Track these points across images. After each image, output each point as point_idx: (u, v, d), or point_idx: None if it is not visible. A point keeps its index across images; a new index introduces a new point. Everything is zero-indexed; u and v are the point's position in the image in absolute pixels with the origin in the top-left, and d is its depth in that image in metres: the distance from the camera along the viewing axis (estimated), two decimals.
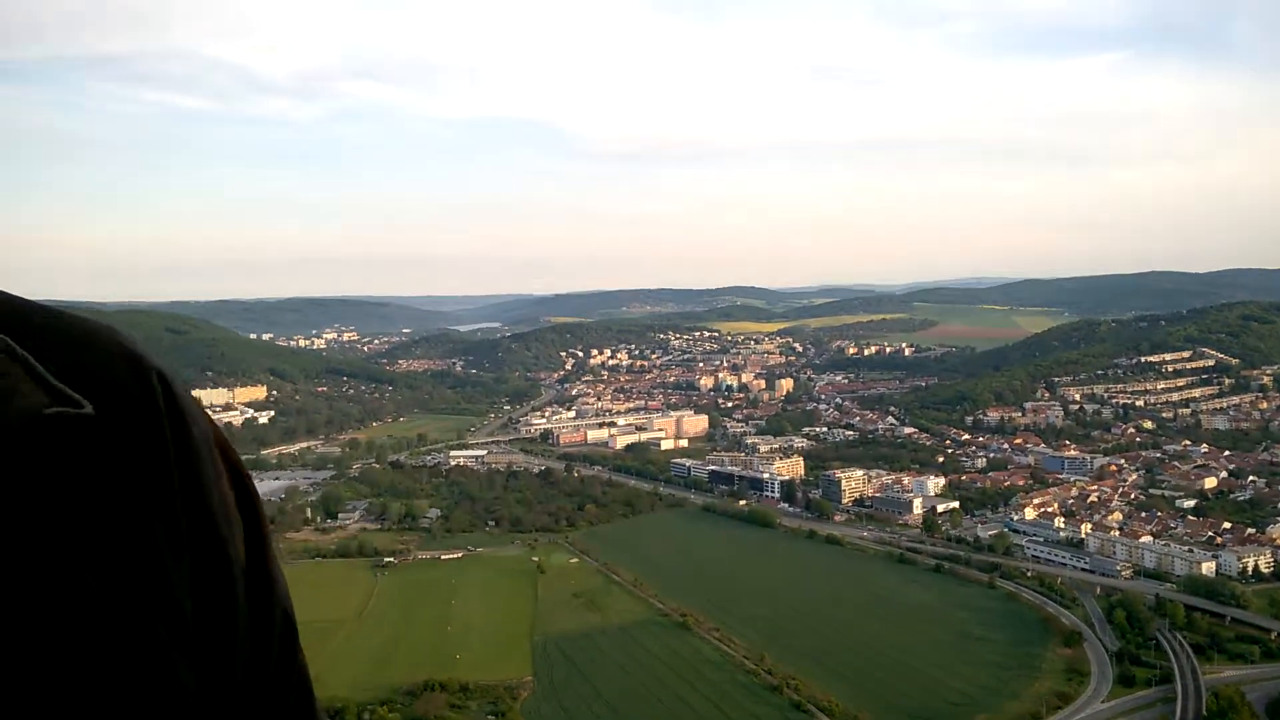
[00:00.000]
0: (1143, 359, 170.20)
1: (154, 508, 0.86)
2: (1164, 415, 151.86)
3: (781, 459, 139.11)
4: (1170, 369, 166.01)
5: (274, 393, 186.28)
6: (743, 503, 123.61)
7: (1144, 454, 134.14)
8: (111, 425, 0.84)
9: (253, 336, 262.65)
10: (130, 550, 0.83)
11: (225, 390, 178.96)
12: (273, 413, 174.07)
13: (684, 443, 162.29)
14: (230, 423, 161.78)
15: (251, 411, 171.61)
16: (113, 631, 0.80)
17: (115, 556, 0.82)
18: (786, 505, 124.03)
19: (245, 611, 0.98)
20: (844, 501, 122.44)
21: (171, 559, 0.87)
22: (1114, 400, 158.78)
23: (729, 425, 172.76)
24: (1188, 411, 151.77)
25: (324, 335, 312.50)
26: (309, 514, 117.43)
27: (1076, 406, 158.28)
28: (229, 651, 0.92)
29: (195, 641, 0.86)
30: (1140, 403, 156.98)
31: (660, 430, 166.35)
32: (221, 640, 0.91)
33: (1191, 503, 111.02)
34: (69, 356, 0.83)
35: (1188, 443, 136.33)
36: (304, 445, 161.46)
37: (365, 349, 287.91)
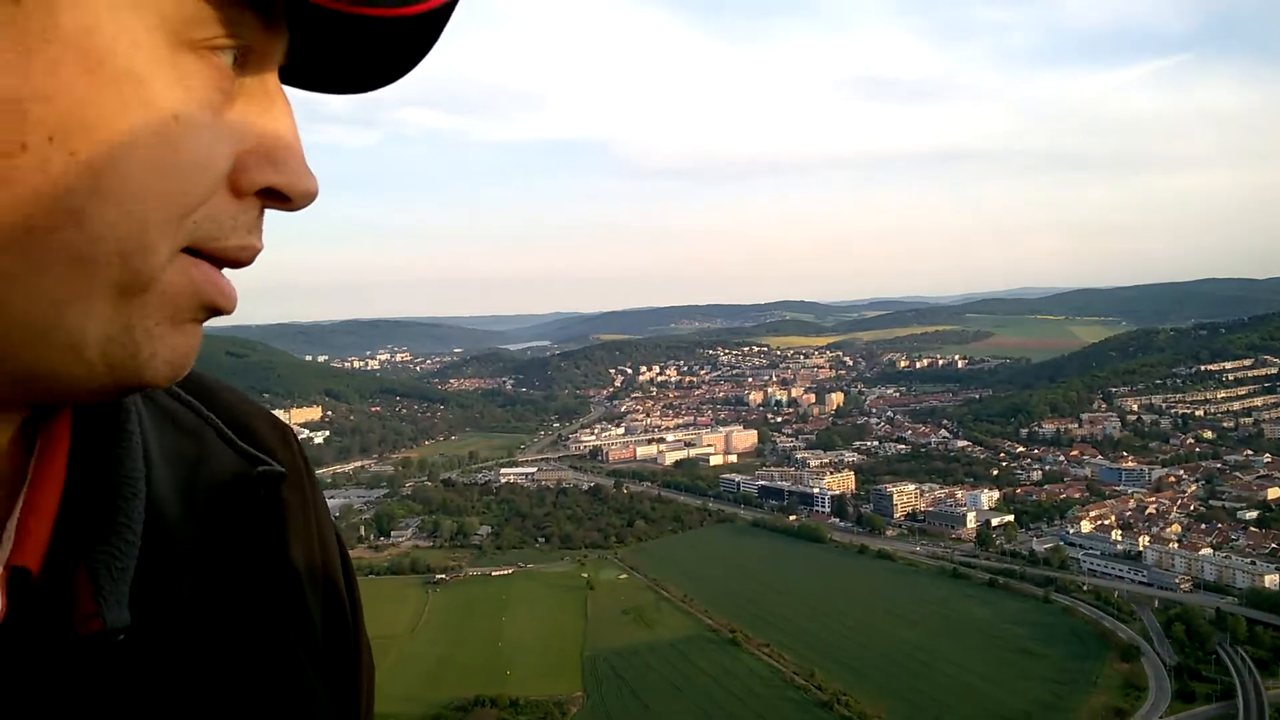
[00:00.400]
0: (1202, 368, 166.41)
1: (307, 552, 0.95)
2: (1225, 425, 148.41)
3: (832, 473, 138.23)
4: (1231, 377, 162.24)
5: (329, 413, 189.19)
6: (793, 518, 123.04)
7: (1204, 465, 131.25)
8: (287, 480, 0.92)
9: (309, 358, 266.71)
10: (297, 587, 0.92)
11: (282, 411, 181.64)
12: (328, 433, 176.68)
13: (733, 458, 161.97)
14: None
15: (307, 432, 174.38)
16: (292, 658, 0.88)
17: (291, 593, 0.91)
18: (837, 520, 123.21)
19: (354, 655, 1.04)
20: (896, 516, 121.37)
21: (315, 601, 0.95)
22: (1173, 410, 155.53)
23: (778, 440, 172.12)
24: (1249, 421, 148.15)
25: (378, 356, 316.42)
26: (363, 531, 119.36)
27: (1134, 417, 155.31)
28: (337, 689, 0.98)
29: (325, 675, 0.94)
30: (1200, 412, 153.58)
31: (709, 446, 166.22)
32: (335, 680, 0.97)
33: (1253, 514, 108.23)
34: (235, 417, 0.92)
35: (1249, 452, 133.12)
36: (358, 464, 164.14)
37: (418, 369, 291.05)
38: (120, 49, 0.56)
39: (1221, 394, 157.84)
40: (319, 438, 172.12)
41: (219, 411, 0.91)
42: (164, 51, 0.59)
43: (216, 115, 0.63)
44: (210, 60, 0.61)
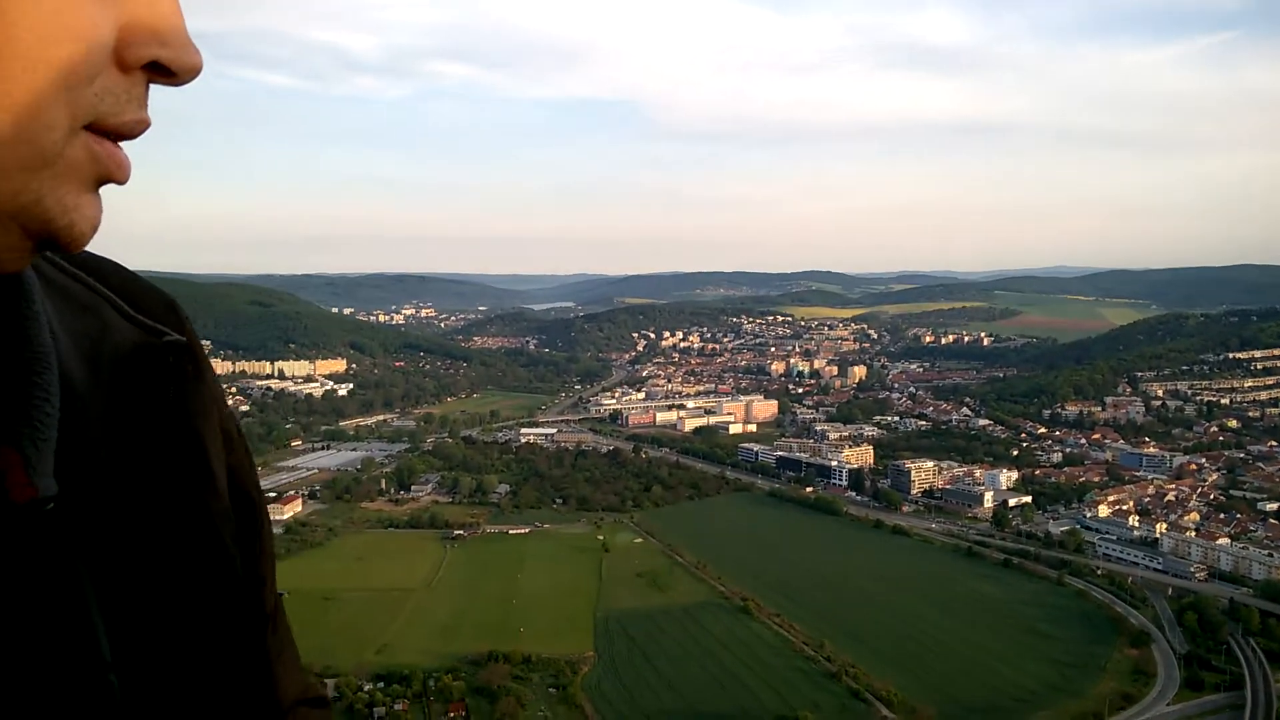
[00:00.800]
0: (1231, 355, 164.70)
1: (208, 418, 1.02)
2: (1250, 414, 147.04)
3: (851, 447, 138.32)
4: (1260, 366, 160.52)
5: (353, 366, 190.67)
6: (809, 490, 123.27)
7: (1226, 454, 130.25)
8: (189, 351, 0.99)
9: (334, 310, 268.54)
10: (203, 452, 0.99)
11: (306, 362, 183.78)
12: (351, 385, 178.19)
13: (753, 427, 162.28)
14: (311, 394, 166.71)
15: (331, 384, 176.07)
16: (204, 511, 0.96)
17: (199, 458, 0.98)
18: (854, 494, 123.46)
19: (255, 514, 1.12)
20: (913, 492, 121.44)
21: (219, 464, 1.03)
22: (1198, 397, 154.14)
23: (799, 411, 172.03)
24: (1276, 411, 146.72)
25: (403, 311, 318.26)
26: (383, 485, 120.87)
27: (1158, 403, 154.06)
28: (244, 547, 1.04)
29: (235, 534, 1.01)
30: (1226, 401, 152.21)
31: (729, 414, 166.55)
32: (241, 538, 1.04)
33: (1274, 505, 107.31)
34: (127, 291, 0.98)
35: (1273, 443, 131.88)
36: (380, 418, 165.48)
37: (442, 325, 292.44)
38: None
39: (1249, 383, 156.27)
40: (343, 390, 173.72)
41: (111, 286, 0.96)
42: None
43: None
44: None
